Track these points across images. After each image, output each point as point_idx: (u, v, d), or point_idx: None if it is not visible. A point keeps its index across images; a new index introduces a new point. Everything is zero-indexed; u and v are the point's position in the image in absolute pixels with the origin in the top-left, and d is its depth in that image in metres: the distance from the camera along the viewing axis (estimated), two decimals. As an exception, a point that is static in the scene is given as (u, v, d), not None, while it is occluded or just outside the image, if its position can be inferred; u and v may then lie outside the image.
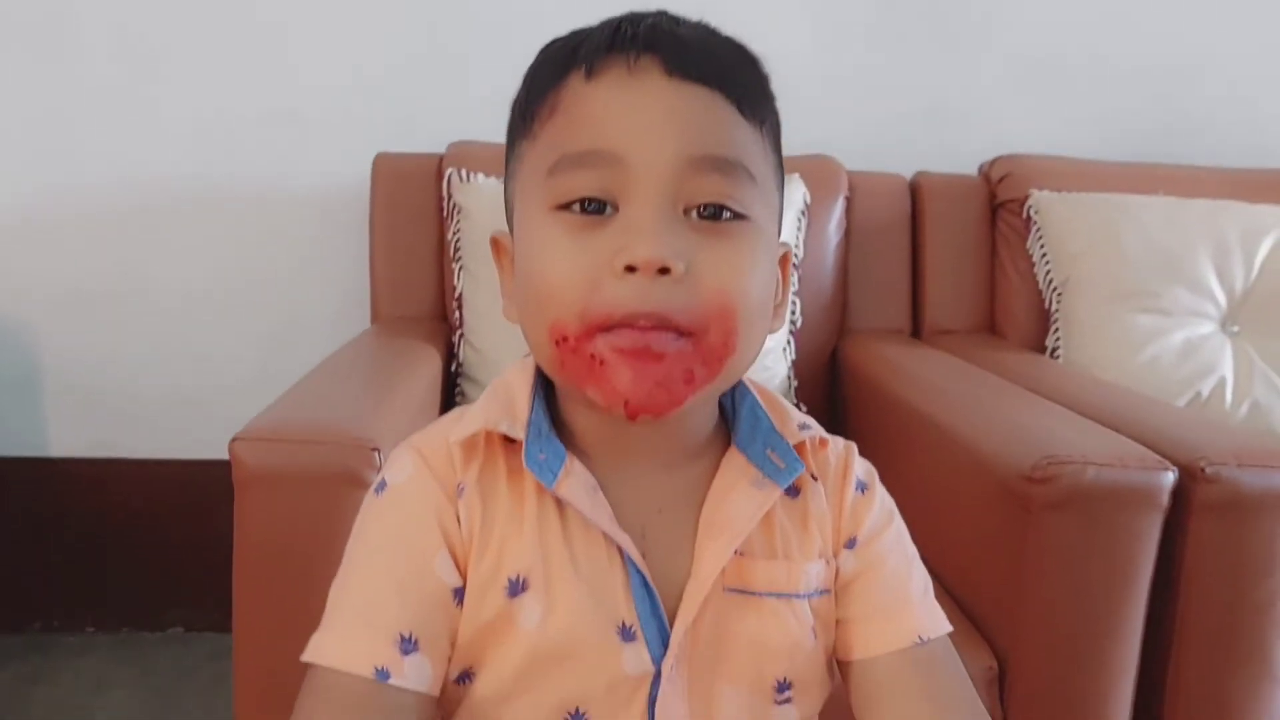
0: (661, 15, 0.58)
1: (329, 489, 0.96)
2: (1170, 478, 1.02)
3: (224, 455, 1.03)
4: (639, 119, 0.54)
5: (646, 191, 0.53)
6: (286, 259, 1.86)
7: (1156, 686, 1.08)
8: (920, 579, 0.66)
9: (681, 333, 0.53)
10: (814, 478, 0.63)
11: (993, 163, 1.78)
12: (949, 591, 1.18)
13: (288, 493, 0.98)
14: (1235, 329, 1.58)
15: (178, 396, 1.87)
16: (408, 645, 0.55)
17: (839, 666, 0.65)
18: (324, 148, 1.82)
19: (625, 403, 0.54)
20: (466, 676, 0.58)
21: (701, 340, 0.54)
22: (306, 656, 0.56)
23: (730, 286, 0.54)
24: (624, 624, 0.57)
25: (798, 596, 0.60)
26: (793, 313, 1.62)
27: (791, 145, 1.88)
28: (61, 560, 1.90)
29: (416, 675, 0.55)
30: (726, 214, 0.55)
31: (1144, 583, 1.03)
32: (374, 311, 1.69)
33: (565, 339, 0.54)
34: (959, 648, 1.05)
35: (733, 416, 0.63)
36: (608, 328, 0.53)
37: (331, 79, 1.81)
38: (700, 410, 0.61)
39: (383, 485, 0.59)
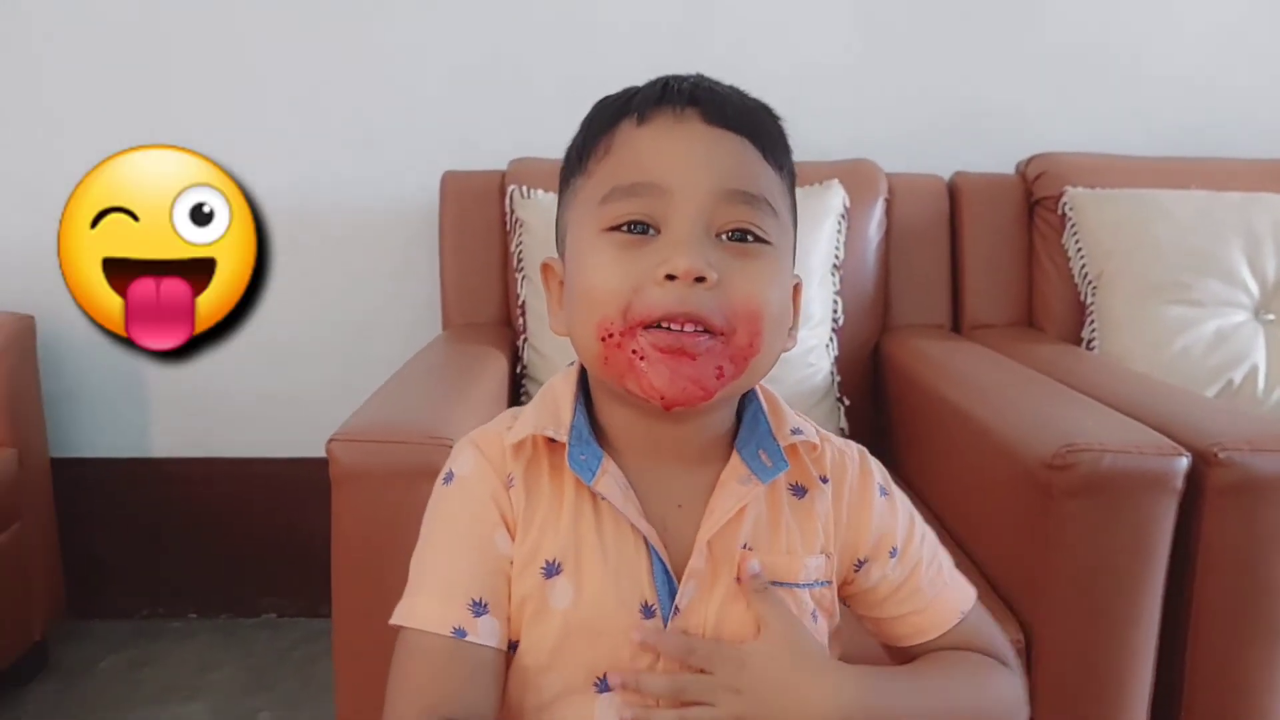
0: (701, 77, 0.67)
1: (414, 482, 1.02)
2: (1184, 463, 1.07)
3: (310, 453, 1.11)
4: (681, 158, 0.63)
5: (685, 217, 0.62)
6: (365, 271, 1.97)
7: (1176, 660, 1.14)
8: (945, 561, 0.75)
9: (714, 333, 0.62)
10: (824, 480, 0.71)
11: (1029, 161, 1.83)
12: (980, 569, 1.24)
13: (378, 487, 1.07)
14: (1270, 317, 1.61)
15: (268, 400, 2.00)
16: (479, 608, 0.64)
17: (892, 651, 0.75)
18: (396, 168, 1.92)
19: (661, 397, 0.62)
20: (511, 647, 0.67)
21: (731, 340, 0.62)
22: (395, 620, 0.66)
23: (755, 295, 0.62)
24: (646, 603, 0.65)
25: (797, 586, 0.68)
26: (834, 311, 1.69)
27: (831, 149, 1.97)
28: (164, 553, 2.04)
29: (488, 633, 0.64)
30: (750, 238, 0.63)
31: (1161, 563, 1.09)
32: (445, 319, 1.79)
33: (611, 335, 0.62)
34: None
35: (739, 422, 0.71)
36: (648, 325, 0.62)
37: (402, 104, 1.91)
38: (719, 411, 0.68)
39: (450, 476, 0.69)
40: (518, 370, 1.68)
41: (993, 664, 0.73)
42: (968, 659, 0.73)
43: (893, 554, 0.72)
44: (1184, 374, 1.54)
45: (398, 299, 1.97)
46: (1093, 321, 1.68)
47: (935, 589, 0.73)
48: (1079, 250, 1.70)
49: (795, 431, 0.70)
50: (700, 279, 0.61)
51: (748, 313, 0.62)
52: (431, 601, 0.65)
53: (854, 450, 0.74)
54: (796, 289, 0.70)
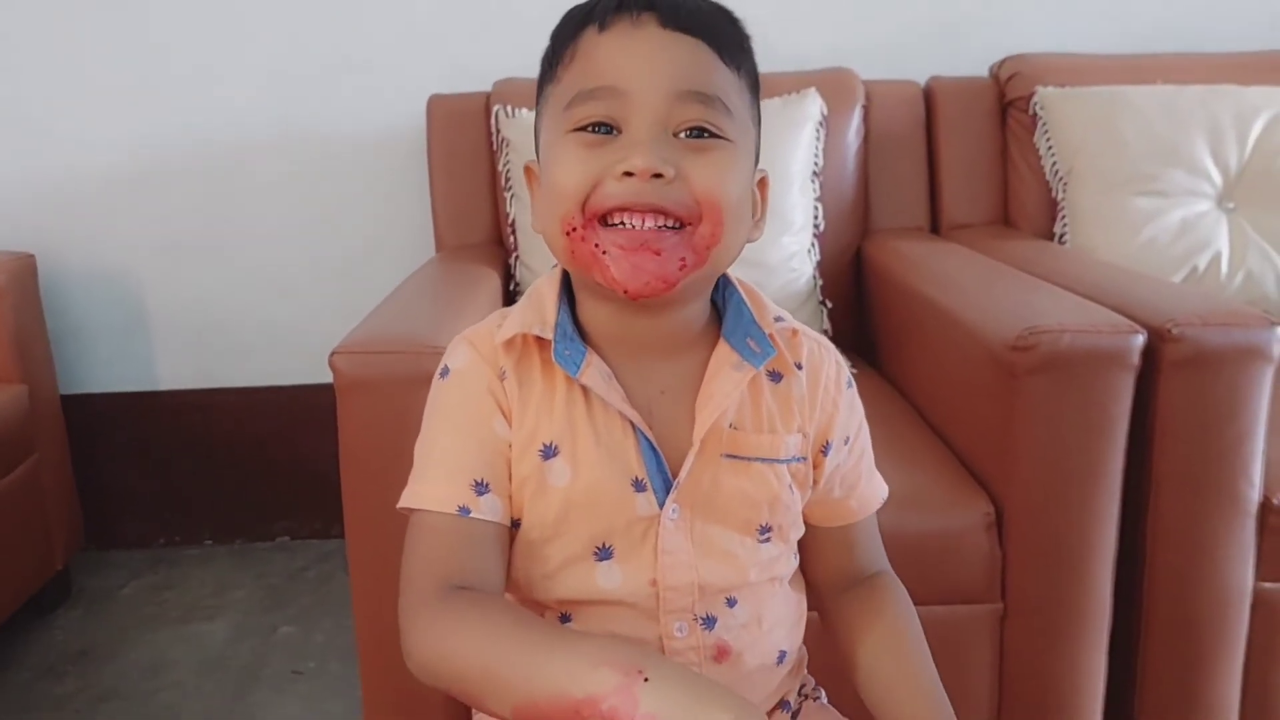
0: None
1: (414, 390, 1.04)
2: (1140, 340, 1.12)
3: (314, 380, 1.14)
4: (638, 61, 0.66)
5: (643, 117, 0.65)
6: (357, 197, 2.00)
7: (1138, 525, 1.20)
8: (871, 454, 0.83)
9: (680, 224, 0.66)
10: (799, 367, 0.76)
11: (1001, 63, 1.85)
12: (953, 449, 1.32)
13: (380, 395, 1.12)
14: (1231, 205, 1.65)
15: (268, 329, 2.04)
16: (481, 488, 0.69)
17: (810, 530, 0.81)
18: (382, 93, 1.94)
19: (625, 290, 0.66)
20: (514, 524, 0.73)
21: (695, 230, 0.66)
22: (403, 503, 0.71)
23: (713, 186, 0.66)
24: (636, 478, 0.71)
25: (779, 461, 0.74)
26: (816, 217, 1.73)
27: (809, 58, 2.00)
28: (178, 482, 2.10)
29: (490, 510, 0.69)
30: (707, 134, 0.66)
31: (1121, 434, 1.15)
32: (437, 241, 1.83)
33: (574, 229, 0.66)
34: (962, 499, 1.22)
35: (722, 313, 0.75)
36: (605, 218, 0.66)
37: (385, 29, 1.92)
38: (692, 305, 0.73)
39: (446, 371, 0.74)
40: (510, 287, 1.73)
41: (902, 600, 0.80)
42: (899, 625, 0.78)
43: (846, 442, 0.78)
44: (1151, 263, 1.59)
45: (391, 224, 2.00)
46: (1064, 216, 1.72)
47: (866, 476, 0.81)
48: (1049, 148, 1.74)
49: (778, 319, 0.75)
50: (657, 175, 0.64)
51: (708, 203, 0.66)
52: (437, 484, 0.70)
53: (828, 343, 0.80)
54: (762, 183, 0.74)
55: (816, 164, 1.73)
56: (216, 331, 2.06)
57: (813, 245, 1.73)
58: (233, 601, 1.91)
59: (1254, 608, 1.22)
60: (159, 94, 1.95)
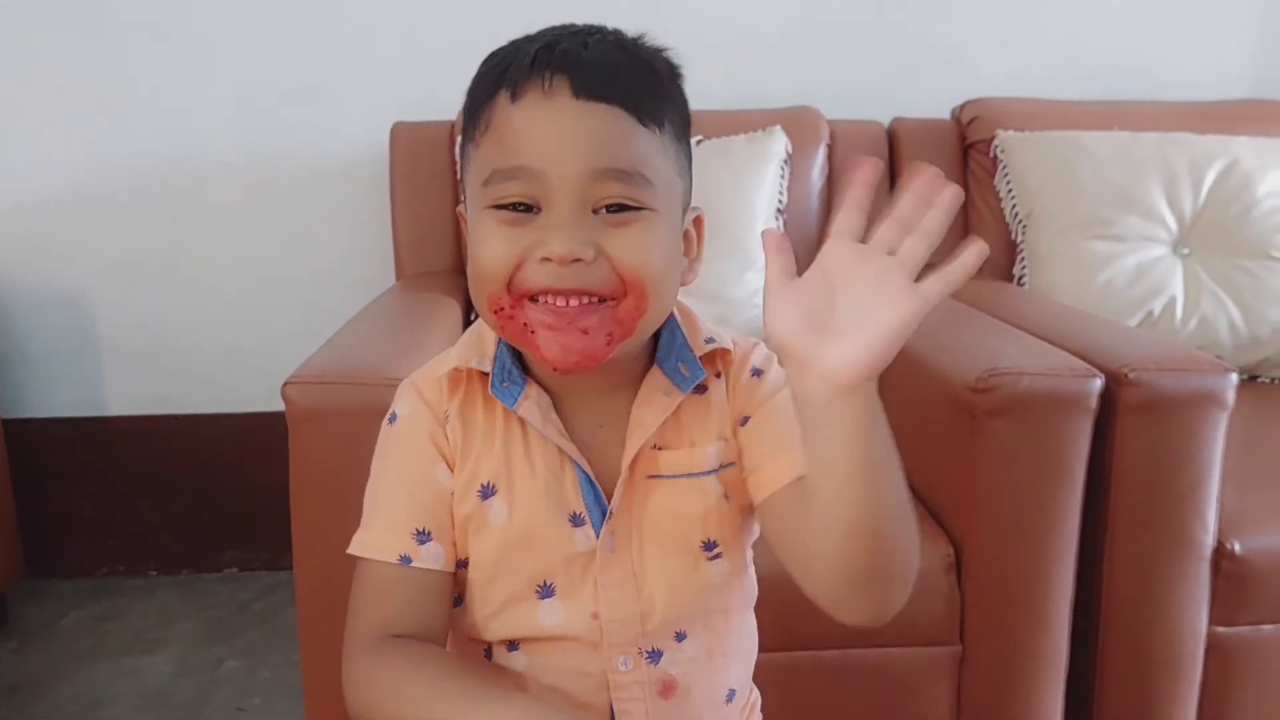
0: (574, 38, 0.67)
1: (368, 422, 1.03)
2: (1097, 384, 1.14)
3: (267, 407, 1.13)
4: (552, 139, 0.64)
5: (561, 198, 0.64)
6: (317, 223, 1.98)
7: (1095, 566, 1.21)
8: (786, 435, 0.70)
9: (603, 299, 0.65)
10: (718, 375, 0.75)
11: (963, 106, 1.88)
12: (913, 490, 1.31)
13: (333, 428, 1.10)
14: (1185, 251, 1.69)
15: (223, 355, 2.01)
16: (423, 537, 0.71)
17: (757, 515, 0.74)
18: (345, 119, 1.93)
19: (555, 367, 0.66)
20: (464, 564, 0.73)
21: (619, 305, 0.66)
22: (351, 550, 0.73)
23: (636, 261, 0.65)
24: (574, 513, 0.71)
25: (702, 474, 0.73)
26: (779, 255, 1.75)
27: (774, 97, 2.01)
28: (124, 510, 2.05)
29: (432, 558, 0.71)
30: (627, 209, 0.66)
31: (1079, 476, 1.16)
32: (398, 268, 1.82)
33: (502, 309, 0.67)
34: (922, 540, 1.20)
35: (658, 339, 0.75)
36: (532, 297, 0.66)
37: (349, 56, 1.91)
38: (627, 350, 0.71)
39: (394, 417, 0.75)
40: (471, 316, 1.71)
41: None
42: None
43: (743, 422, 0.74)
44: (1108, 306, 1.61)
45: (351, 251, 1.98)
46: (1023, 258, 1.75)
47: (776, 440, 0.71)
48: (1009, 191, 1.76)
49: (709, 340, 0.75)
50: (577, 259, 0.64)
51: (632, 279, 0.65)
52: (380, 533, 0.72)
53: (748, 344, 0.77)
54: (698, 221, 0.73)
55: (781, 201, 1.75)
56: (170, 356, 2.01)
57: (776, 282, 1.73)
58: (177, 634, 1.86)
59: (1208, 651, 1.23)
60: (115, 114, 1.92)
